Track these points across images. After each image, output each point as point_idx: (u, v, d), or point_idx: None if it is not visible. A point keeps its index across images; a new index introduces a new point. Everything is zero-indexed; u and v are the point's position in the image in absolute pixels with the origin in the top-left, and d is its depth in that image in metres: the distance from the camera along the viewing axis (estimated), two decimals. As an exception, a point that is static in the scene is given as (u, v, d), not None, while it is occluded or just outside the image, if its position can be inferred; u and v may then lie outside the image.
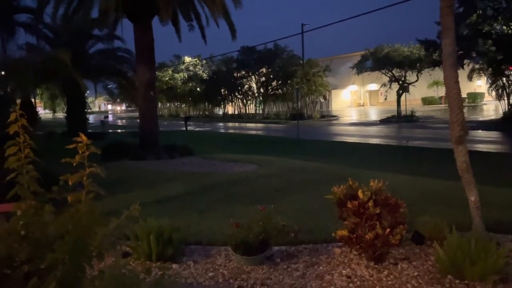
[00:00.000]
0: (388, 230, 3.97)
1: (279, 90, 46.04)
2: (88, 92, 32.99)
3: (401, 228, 4.06)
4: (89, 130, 25.34)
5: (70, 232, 1.52)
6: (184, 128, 32.91)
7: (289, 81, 42.96)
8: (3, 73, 14.18)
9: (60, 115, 48.27)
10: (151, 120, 14.36)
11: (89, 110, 47.29)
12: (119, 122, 54.45)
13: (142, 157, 12.89)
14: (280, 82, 45.36)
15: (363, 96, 65.28)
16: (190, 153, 13.94)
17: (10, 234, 1.65)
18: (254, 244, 4.12)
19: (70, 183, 1.81)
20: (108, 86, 29.89)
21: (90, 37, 23.36)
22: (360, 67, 38.55)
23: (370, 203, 4.04)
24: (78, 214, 1.54)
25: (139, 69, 14.41)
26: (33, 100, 29.13)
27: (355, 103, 64.09)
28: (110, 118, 64.36)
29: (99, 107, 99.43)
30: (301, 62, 43.33)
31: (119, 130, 33.94)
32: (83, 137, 1.84)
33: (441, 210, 5.64)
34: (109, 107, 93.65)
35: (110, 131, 30.39)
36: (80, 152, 1.79)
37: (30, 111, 10.75)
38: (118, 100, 55.88)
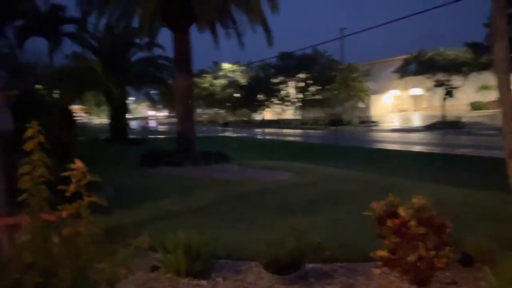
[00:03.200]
0: (433, 252, 3.63)
1: (318, 96, 45.47)
2: (132, 98, 34.20)
3: (447, 250, 3.70)
4: (131, 136, 26.07)
5: (67, 266, 1.39)
6: (222, 134, 33.14)
7: (328, 87, 42.31)
8: (48, 81, 14.83)
9: (106, 121, 50.11)
10: (188, 126, 14.48)
11: (132, 116, 48.88)
12: (160, 128, 55.80)
13: (179, 163, 12.98)
14: (318, 87, 44.82)
15: (405, 101, 63.09)
16: (225, 160, 13.91)
17: (17, 262, 1.55)
18: (286, 262, 3.90)
19: (64, 215, 1.68)
20: (151, 92, 30.67)
21: (132, 45, 24.09)
22: (403, 72, 37.33)
23: (413, 222, 3.71)
24: (76, 247, 1.41)
25: (177, 76, 14.60)
26: (79, 106, 30.43)
27: (397, 109, 62.01)
28: (152, 124, 66.14)
29: (142, 113, 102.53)
30: (341, 67, 42.60)
31: (159, 136, 34.69)
32: (79, 164, 1.71)
33: (490, 226, 5.17)
34: (151, 113, 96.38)
35: (151, 137, 31.11)
36: (74, 181, 1.66)
37: (69, 118, 11.06)
38: (160, 106, 57.38)
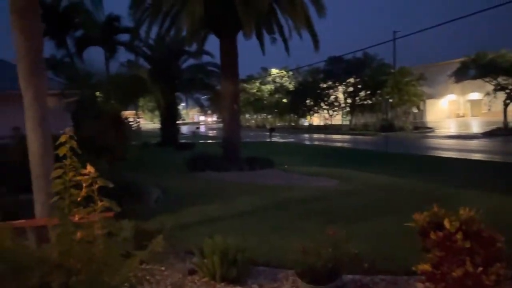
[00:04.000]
0: (481, 268, 3.36)
1: (368, 101, 44.29)
2: (183, 104, 35.33)
3: (497, 266, 3.41)
4: (181, 141, 26.82)
5: (82, 271, 1.43)
6: (269, 140, 33.19)
7: (378, 91, 41.11)
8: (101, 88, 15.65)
9: (158, 126, 52.02)
10: (234, 132, 14.65)
11: (183, 121, 50.36)
12: (210, 133, 56.98)
13: (225, 168, 13.15)
14: (369, 92, 43.65)
15: (463, 106, 59.77)
16: (271, 165, 13.89)
17: (45, 262, 1.61)
18: (323, 272, 3.79)
19: (77, 219, 1.72)
20: (202, 97, 31.48)
21: (182, 53, 24.85)
22: (460, 75, 35.40)
23: (459, 235, 3.47)
24: (91, 251, 1.44)
25: (223, 82, 14.84)
26: (133, 112, 31.83)
27: (454, 114, 58.91)
28: (202, 129, 67.69)
29: (193, 118, 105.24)
30: (392, 70, 41.23)
31: (208, 141, 35.43)
32: (90, 169, 1.75)
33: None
34: (201, 118, 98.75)
35: (200, 141, 31.83)
36: (84, 186, 1.69)
37: (120, 123, 11.59)
38: (209, 111, 58.64)
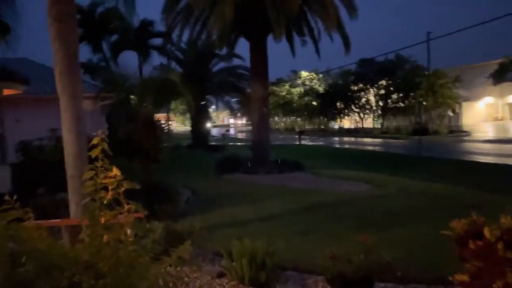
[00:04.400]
0: (524, 281, 3.17)
1: (400, 103, 43.23)
2: (214, 107, 35.73)
3: (543, 280, 3.21)
4: (211, 143, 27.10)
5: (109, 274, 1.42)
6: (298, 143, 32.99)
7: (412, 94, 40.07)
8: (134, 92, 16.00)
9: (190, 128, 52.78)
10: (263, 135, 14.64)
11: (212, 124, 50.90)
12: (239, 136, 57.29)
13: (254, 171, 13.16)
14: (401, 94, 42.61)
15: (501, 109, 57.32)
16: (300, 169, 13.78)
17: (76, 263, 1.63)
18: (353, 280, 3.69)
19: (104, 221, 1.72)
20: (232, 100, 31.75)
21: (213, 56, 25.13)
22: (498, 77, 33.99)
23: (500, 245, 3.28)
24: (117, 255, 1.44)
25: (253, 85, 14.88)
26: (165, 115, 32.48)
27: (491, 117, 56.58)
28: (232, 131, 68.18)
29: (223, 121, 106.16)
30: (426, 73, 40.09)
31: (238, 143, 35.62)
32: (116, 172, 1.74)
33: None
34: (231, 121, 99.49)
35: (230, 144, 32.03)
36: (110, 189, 1.69)
37: (153, 126, 11.79)
38: (239, 114, 59.01)
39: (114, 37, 23.18)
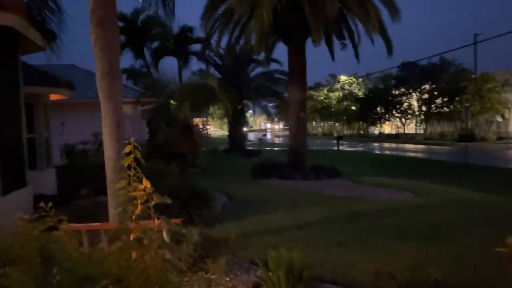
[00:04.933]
0: None
1: (445, 108, 41.53)
2: (251, 111, 35.91)
3: None
4: (247, 148, 27.15)
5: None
6: (336, 148, 32.41)
7: (457, 98, 38.39)
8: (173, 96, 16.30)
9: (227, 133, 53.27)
10: (300, 140, 14.44)
11: (249, 129, 51.12)
12: (276, 140, 57.17)
13: (289, 176, 12.98)
14: (446, 99, 40.92)
15: (556, 114, 53.73)
16: (338, 175, 13.45)
17: (107, 276, 1.57)
18: (397, 297, 3.46)
19: (132, 237, 1.64)
20: (269, 105, 31.72)
21: (250, 61, 25.21)
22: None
23: None
24: (146, 273, 1.35)
25: (291, 89, 14.74)
26: (203, 119, 32.95)
27: (545, 123, 53.11)
28: (269, 136, 68.17)
29: (260, 126, 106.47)
30: (473, 76, 38.28)
31: (274, 148, 35.49)
32: (146, 184, 1.66)
33: None
34: (268, 125, 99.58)
35: (267, 148, 31.96)
36: (139, 203, 1.60)
37: (190, 130, 11.95)
38: (276, 119, 58.95)
39: (155, 44, 23.80)
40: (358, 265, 4.73)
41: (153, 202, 1.66)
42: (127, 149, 1.97)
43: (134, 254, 1.54)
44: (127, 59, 23.83)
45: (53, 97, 10.08)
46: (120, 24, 22.80)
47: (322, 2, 11.70)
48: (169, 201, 1.70)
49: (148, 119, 18.60)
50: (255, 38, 12.46)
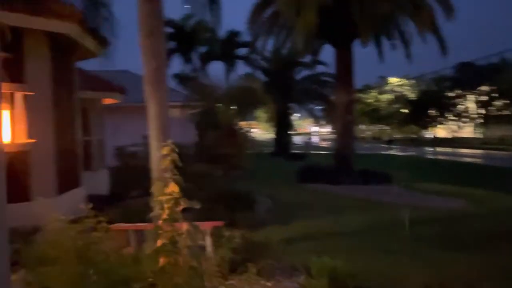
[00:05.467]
0: None
1: (505, 111, 38.93)
2: (297, 114, 35.77)
3: None
4: (293, 151, 26.95)
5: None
6: (386, 152, 31.37)
7: (519, 100, 35.91)
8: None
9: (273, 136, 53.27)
10: (347, 143, 14.10)
11: (296, 132, 50.84)
12: (323, 144, 56.35)
13: (336, 181, 12.68)
14: (507, 101, 38.36)
15: None
16: (387, 181, 12.96)
17: (141, 280, 1.57)
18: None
19: (159, 242, 1.61)
20: (316, 108, 31.37)
21: (296, 64, 25.06)
22: None
23: None
24: (174, 281, 1.32)
25: (337, 92, 14.46)
26: (249, 122, 33.14)
27: None
28: (315, 139, 67.37)
29: (306, 129, 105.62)
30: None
31: (321, 152, 34.99)
32: (174, 188, 1.62)
33: None
34: (315, 129, 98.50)
35: (313, 152, 31.55)
36: (166, 207, 1.57)
37: (234, 133, 12.04)
38: (323, 122, 58.14)
39: (203, 49, 24.34)
40: (406, 277, 4.49)
41: (180, 207, 1.64)
42: (165, 151, 1.97)
43: (162, 260, 1.52)
44: (176, 64, 24.59)
45: (107, 101, 10.57)
46: (170, 30, 23.57)
47: (371, 1, 11.38)
48: (197, 205, 1.68)
49: (196, 122, 19.00)
50: (300, 41, 12.32)
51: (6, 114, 5.90)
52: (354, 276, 3.94)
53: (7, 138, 5.89)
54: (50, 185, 6.49)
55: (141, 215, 5.96)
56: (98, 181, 9.42)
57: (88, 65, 9.57)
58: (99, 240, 1.83)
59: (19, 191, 5.83)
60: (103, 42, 7.04)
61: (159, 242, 1.56)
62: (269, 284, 4.51)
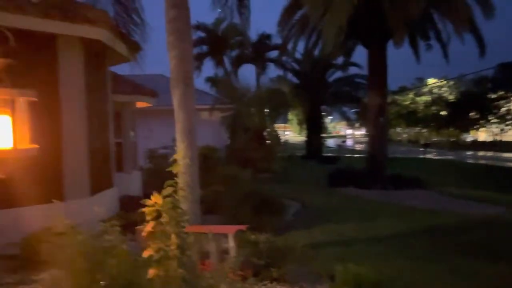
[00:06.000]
0: None
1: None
2: (330, 117, 35.30)
3: None
4: (325, 154, 26.61)
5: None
6: (423, 156, 30.37)
7: None
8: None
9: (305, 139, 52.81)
10: (379, 147, 13.73)
11: (328, 135, 50.18)
12: (356, 147, 55.31)
13: (368, 185, 12.39)
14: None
15: None
16: (421, 185, 12.52)
17: (148, 286, 1.57)
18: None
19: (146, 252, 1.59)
20: (349, 110, 30.90)
21: (329, 66, 24.74)
22: None
23: None
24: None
25: (370, 94, 14.13)
26: (282, 125, 33.06)
27: None
28: (348, 142, 66.24)
29: (339, 132, 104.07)
30: None
31: (354, 155, 34.31)
32: (156, 199, 1.60)
33: None
34: (348, 131, 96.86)
35: (346, 155, 31.00)
36: (149, 219, 1.55)
37: (262, 136, 12.05)
38: (356, 125, 57.05)
39: (234, 52, 24.49)
40: (438, 285, 4.30)
41: (165, 219, 1.62)
42: (178, 155, 1.98)
43: (151, 273, 1.51)
44: (208, 68, 24.90)
45: (140, 104, 10.83)
46: (202, 34, 23.90)
47: (404, 0, 11.04)
48: (186, 218, 1.66)
49: (227, 125, 19.14)
50: (331, 42, 12.14)
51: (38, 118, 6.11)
52: (379, 283, 3.81)
53: (42, 141, 6.13)
54: (84, 186, 6.70)
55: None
56: (131, 182, 9.64)
57: (124, 69, 9.83)
58: (112, 243, 1.85)
59: (54, 191, 6.04)
60: (134, 47, 7.21)
61: (145, 253, 1.54)
62: (293, 290, 4.44)
